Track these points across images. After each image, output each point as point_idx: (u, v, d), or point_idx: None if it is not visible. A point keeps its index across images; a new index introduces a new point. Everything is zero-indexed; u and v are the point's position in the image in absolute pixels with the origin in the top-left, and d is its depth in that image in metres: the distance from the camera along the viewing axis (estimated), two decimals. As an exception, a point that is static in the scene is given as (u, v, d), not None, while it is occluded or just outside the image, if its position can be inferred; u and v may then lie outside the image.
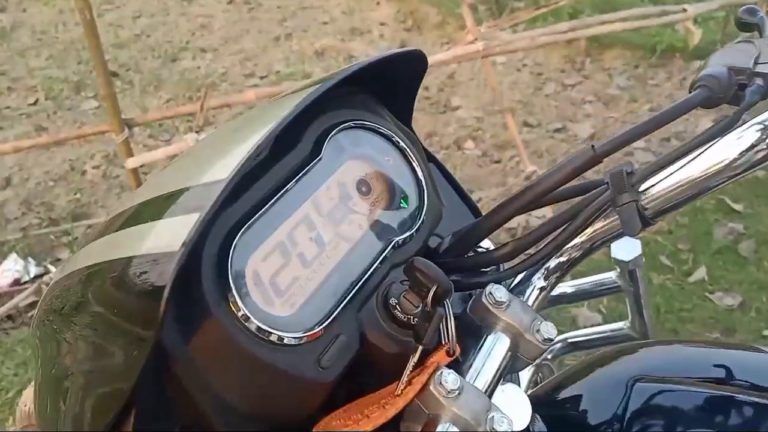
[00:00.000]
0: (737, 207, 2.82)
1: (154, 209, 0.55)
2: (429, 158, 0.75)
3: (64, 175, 3.19)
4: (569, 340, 1.18)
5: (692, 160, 0.56)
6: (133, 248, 0.52)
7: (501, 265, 0.64)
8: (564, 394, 0.73)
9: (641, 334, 1.15)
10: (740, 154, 0.54)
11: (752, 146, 0.53)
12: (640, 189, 0.57)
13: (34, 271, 2.61)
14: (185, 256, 0.45)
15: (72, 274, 0.59)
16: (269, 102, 0.64)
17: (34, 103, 3.75)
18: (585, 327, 2.30)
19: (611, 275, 1.10)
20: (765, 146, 0.53)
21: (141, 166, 2.46)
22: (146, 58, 4.07)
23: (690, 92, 0.58)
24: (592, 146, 0.58)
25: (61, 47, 4.19)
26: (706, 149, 0.55)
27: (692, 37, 3.22)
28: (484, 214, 0.68)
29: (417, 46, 0.63)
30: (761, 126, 0.54)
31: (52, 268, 2.60)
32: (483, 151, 3.37)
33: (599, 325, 2.34)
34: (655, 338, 1.18)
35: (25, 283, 2.55)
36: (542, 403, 0.71)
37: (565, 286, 1.13)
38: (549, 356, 1.15)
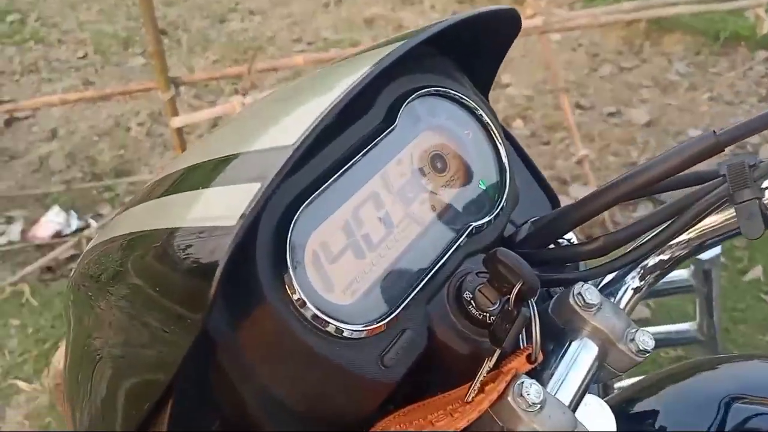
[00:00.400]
0: (799, 206, 2.68)
1: (205, 175, 0.49)
2: (505, 135, 0.67)
3: (109, 130, 3.19)
4: None
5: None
6: (180, 217, 0.46)
7: (585, 262, 0.56)
8: (638, 407, 0.65)
9: (709, 337, 1.07)
10: None
11: None
12: (763, 186, 0.49)
13: (75, 224, 2.61)
14: (243, 231, 0.38)
15: (112, 239, 0.54)
16: (337, 63, 0.56)
17: (83, 57, 3.75)
18: (633, 321, 2.22)
19: (684, 273, 1.02)
20: None
21: (185, 126, 2.42)
22: (195, 18, 4.03)
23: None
24: (713, 132, 0.49)
25: (112, 2, 4.17)
26: None
27: (762, 24, 3.05)
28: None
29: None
30: None
31: (94, 223, 2.60)
32: (532, 131, 3.27)
33: (647, 320, 2.25)
34: (723, 344, 1.09)
35: (66, 235, 2.56)
36: (616, 416, 0.64)
37: (632, 283, 1.04)
38: None
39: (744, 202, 0.49)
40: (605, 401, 0.69)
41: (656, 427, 0.61)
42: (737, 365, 0.72)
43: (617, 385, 0.95)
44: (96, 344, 0.51)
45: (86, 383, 0.51)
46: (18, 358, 2.12)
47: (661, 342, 1.10)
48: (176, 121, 2.25)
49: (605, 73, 3.63)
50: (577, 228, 0.57)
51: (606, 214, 2.63)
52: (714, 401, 0.59)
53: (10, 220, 2.68)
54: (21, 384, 2.01)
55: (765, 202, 0.49)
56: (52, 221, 2.61)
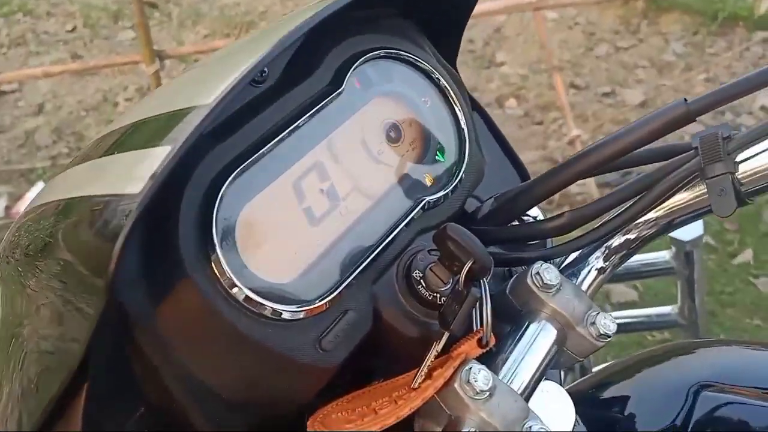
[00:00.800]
0: (792, 189, 2.65)
1: (142, 133, 0.45)
2: (473, 106, 0.63)
3: (97, 105, 3.14)
4: None
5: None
6: (109, 183, 0.43)
7: (550, 239, 0.53)
8: (608, 393, 0.63)
9: (690, 321, 1.04)
10: None
11: None
12: (737, 159, 0.46)
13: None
14: (148, 198, 0.35)
15: (46, 204, 0.50)
16: (293, 13, 0.52)
17: (72, 30, 3.69)
18: (619, 304, 2.20)
19: (665, 255, 0.99)
20: None
21: (170, 101, 2.37)
22: (186, -9, 3.96)
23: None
24: (684, 99, 0.46)
25: (101, -26, 4.09)
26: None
27: (760, 5, 3.01)
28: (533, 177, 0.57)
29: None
30: None
31: (77, 199, 2.57)
32: (525, 111, 3.23)
33: (634, 302, 2.23)
34: (705, 328, 1.06)
35: (50, 212, 2.52)
36: (583, 401, 0.60)
37: (611, 264, 1.01)
38: None
39: (715, 176, 0.45)
40: (577, 384, 0.66)
41: (625, 413, 0.59)
42: (712, 351, 0.69)
43: (597, 368, 0.93)
44: (19, 327, 0.47)
45: (8, 370, 0.48)
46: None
47: (642, 325, 1.08)
48: (159, 95, 2.20)
49: (601, 52, 3.58)
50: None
51: (597, 194, 2.60)
52: (684, 388, 0.56)
53: (-6, 196, 2.65)
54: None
55: (738, 177, 0.46)
56: (36, 197, 2.58)
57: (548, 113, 3.16)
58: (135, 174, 0.38)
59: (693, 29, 3.66)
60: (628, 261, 1.01)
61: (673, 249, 0.97)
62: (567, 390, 0.57)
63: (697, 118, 0.46)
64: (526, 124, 3.16)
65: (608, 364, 0.71)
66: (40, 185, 2.63)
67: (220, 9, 3.79)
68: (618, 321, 1.16)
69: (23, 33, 3.69)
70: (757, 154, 0.46)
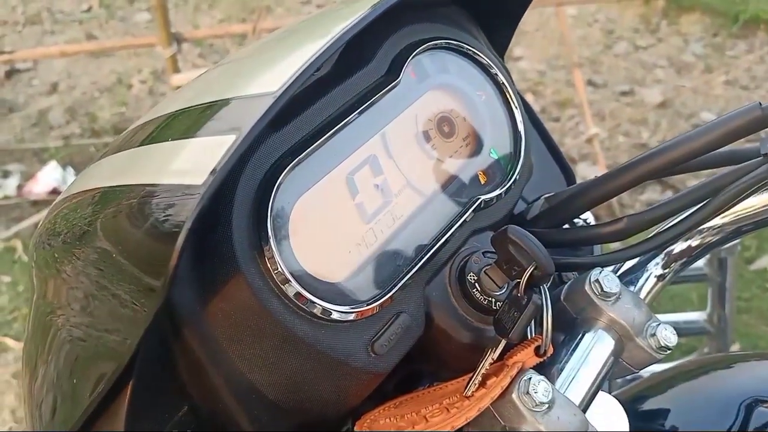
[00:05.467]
0: (812, 195, 2.62)
1: (185, 123, 0.43)
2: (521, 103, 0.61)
3: (111, 87, 3.12)
4: None
5: None
6: (153, 173, 0.41)
7: (601, 246, 0.51)
8: (648, 405, 0.61)
9: (719, 329, 1.02)
10: None
11: None
12: (811, 165, 0.43)
13: (72, 181, 2.56)
14: (211, 191, 0.32)
15: (82, 192, 0.48)
16: (340, 3, 0.50)
17: (88, 10, 3.67)
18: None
19: (698, 261, 0.96)
20: None
21: (187, 85, 2.36)
22: (203, -26, 3.93)
23: None
24: (759, 104, 0.43)
25: (118, -46, 4.07)
26: None
27: (783, 8, 2.96)
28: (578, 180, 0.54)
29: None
30: None
31: (90, 180, 2.55)
32: (542, 107, 3.20)
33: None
34: (732, 337, 1.04)
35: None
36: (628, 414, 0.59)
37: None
38: None
39: (788, 184, 0.43)
40: (622, 392, 0.64)
41: (667, 426, 0.57)
42: (754, 365, 0.66)
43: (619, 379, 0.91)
44: (56, 317, 0.46)
45: (45, 363, 0.46)
46: (8, 316, 2.08)
47: None
48: (176, 79, 2.18)
49: (620, 50, 3.55)
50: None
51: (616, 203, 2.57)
52: (734, 402, 0.54)
53: (6, 174, 2.64)
54: (9, 342, 1.98)
55: (812, 186, 0.44)
56: (48, 177, 2.56)
57: (565, 110, 3.13)
58: (191, 163, 0.36)
59: (713, 30, 3.62)
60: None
61: (708, 255, 0.95)
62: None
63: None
64: (544, 121, 3.13)
65: (643, 378, 0.68)
66: (52, 165, 2.62)
67: (236, -7, 3.76)
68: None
69: (39, 11, 3.67)
70: (833, 163, 0.43)
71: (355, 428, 0.41)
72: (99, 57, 3.19)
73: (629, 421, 0.56)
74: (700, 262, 0.96)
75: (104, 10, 3.65)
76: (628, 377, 0.71)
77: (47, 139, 2.81)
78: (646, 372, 0.69)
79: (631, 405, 0.62)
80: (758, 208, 0.46)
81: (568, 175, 0.63)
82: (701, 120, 2.95)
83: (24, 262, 2.25)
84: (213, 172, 0.33)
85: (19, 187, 2.55)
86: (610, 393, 0.53)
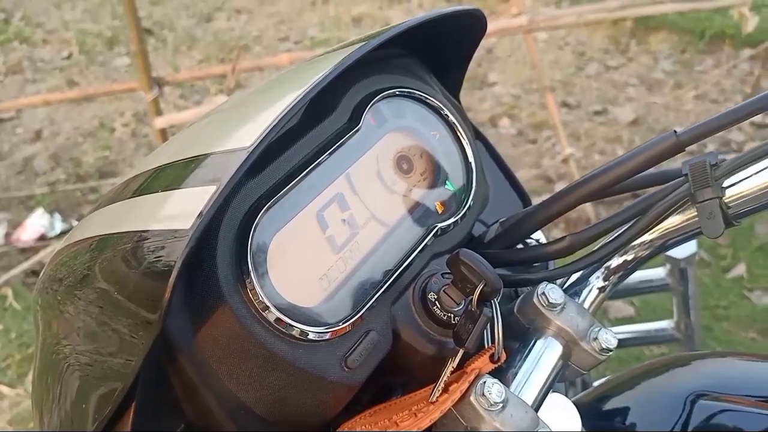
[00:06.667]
0: (782, 203, 2.69)
1: (171, 176, 0.49)
2: (476, 135, 0.67)
3: (94, 131, 3.17)
4: None
5: (789, 155, 0.48)
6: (144, 220, 0.46)
7: (553, 261, 0.57)
8: (610, 405, 0.66)
9: (686, 336, 1.07)
10: None
11: None
12: (724, 185, 0.50)
13: (59, 226, 2.59)
14: (198, 234, 0.38)
15: (79, 241, 0.54)
16: (306, 61, 0.56)
17: (68, 57, 3.73)
18: (617, 320, 2.22)
19: (660, 272, 1.02)
20: None
21: (169, 127, 2.41)
22: (181, 17, 4.02)
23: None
24: (674, 131, 0.50)
25: (97, 1, 4.15)
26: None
27: (746, 23, 3.07)
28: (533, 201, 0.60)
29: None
30: None
31: (78, 225, 2.58)
32: (518, 130, 3.28)
33: (631, 318, 2.26)
34: (700, 342, 1.10)
35: (51, 238, 2.54)
36: (585, 413, 0.64)
37: (608, 281, 1.05)
38: None
39: (705, 201, 0.49)
40: (580, 398, 0.70)
41: (626, 423, 0.62)
42: (708, 362, 0.72)
43: (597, 382, 0.96)
44: (63, 350, 0.51)
45: (55, 387, 0.51)
46: (1, 363, 2.10)
47: (640, 340, 1.11)
48: (159, 122, 2.24)
49: (591, 71, 3.65)
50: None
51: (592, 211, 2.64)
52: (681, 398, 0.59)
53: (-7, 223, 2.66)
54: (4, 389, 2.00)
55: (726, 201, 0.50)
56: (36, 224, 2.59)
57: (541, 132, 3.21)
58: (178, 210, 0.41)
59: (681, 47, 3.73)
60: (627, 279, 1.05)
61: (668, 266, 1.01)
62: (572, 401, 0.61)
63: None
64: (520, 143, 3.20)
65: (609, 377, 0.74)
66: (39, 212, 2.65)
67: (215, 34, 3.84)
68: (617, 336, 1.19)
69: (19, 60, 3.73)
70: (742, 180, 0.49)
71: (334, 436, 0.47)
72: (81, 103, 3.25)
73: (593, 420, 0.62)
74: (663, 273, 1.02)
75: (84, 56, 3.71)
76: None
77: (33, 186, 2.85)
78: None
79: (596, 404, 0.67)
80: (681, 224, 0.52)
81: (525, 200, 0.69)
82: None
83: (15, 309, 2.28)
84: (200, 215, 0.38)
85: (7, 236, 2.58)
86: (578, 393, 0.58)
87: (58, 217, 2.64)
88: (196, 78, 2.89)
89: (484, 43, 3.70)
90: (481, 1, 4.13)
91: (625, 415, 0.62)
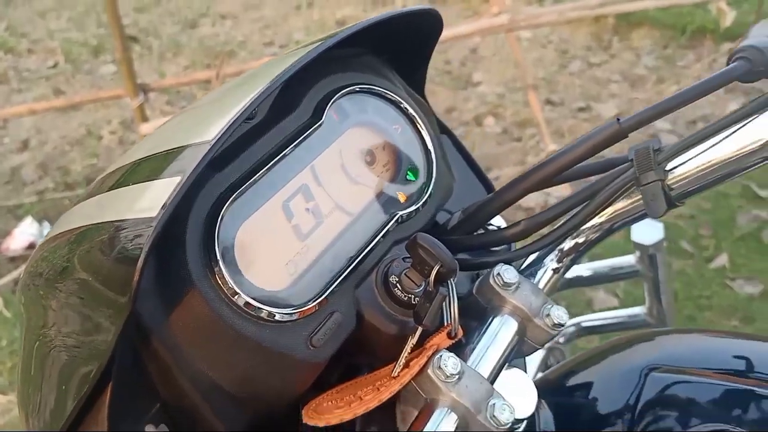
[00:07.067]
0: (763, 194, 2.74)
1: (147, 169, 0.52)
2: (442, 130, 0.70)
3: (81, 139, 3.18)
4: (583, 324, 1.14)
5: (724, 138, 0.51)
6: (118, 211, 0.49)
7: (512, 245, 0.60)
8: (574, 380, 0.69)
9: (659, 320, 1.11)
10: (778, 133, 0.49)
11: (793, 125, 0.49)
12: (667, 168, 0.53)
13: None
14: (163, 222, 0.41)
15: (59, 235, 0.56)
16: (274, 58, 0.59)
17: (54, 66, 3.74)
18: (600, 310, 2.26)
19: (630, 259, 1.06)
20: (807, 126, 0.48)
21: (156, 133, 2.43)
22: (166, 24, 4.03)
23: (728, 65, 0.53)
24: (617, 119, 0.53)
25: (82, 9, 4.16)
26: (740, 128, 0.50)
27: (724, 17, 3.11)
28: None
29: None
30: (804, 103, 0.49)
31: (66, 232, 2.59)
32: (503, 128, 3.31)
33: (615, 308, 2.30)
34: (673, 326, 1.13)
35: (40, 246, 2.54)
36: (551, 389, 0.67)
37: (582, 269, 1.08)
38: (561, 340, 1.11)
39: (648, 184, 0.52)
40: (546, 374, 0.73)
41: (588, 398, 0.65)
42: (670, 338, 0.75)
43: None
44: (45, 339, 0.54)
45: (37, 377, 0.54)
46: (-8, 370, 2.12)
47: (613, 326, 1.14)
48: (145, 128, 2.26)
49: (575, 69, 3.69)
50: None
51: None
52: (637, 372, 0.62)
53: (-18, 233, 2.67)
54: (-5, 395, 2.02)
55: (668, 183, 0.53)
56: (25, 233, 2.61)
57: (526, 130, 3.24)
58: (149, 201, 0.44)
59: (663, 43, 3.78)
60: (599, 265, 1.09)
61: (638, 253, 1.04)
62: (537, 378, 0.64)
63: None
64: (505, 141, 3.24)
65: (576, 355, 0.77)
66: (28, 221, 2.67)
67: (200, 40, 3.86)
68: (593, 323, 1.22)
69: (5, 71, 3.74)
70: (683, 162, 0.53)
71: (303, 412, 0.50)
72: (68, 111, 3.26)
73: (558, 395, 0.65)
74: (633, 260, 1.06)
75: (70, 65, 3.73)
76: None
77: (21, 196, 2.86)
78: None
79: (560, 380, 0.70)
80: (627, 207, 0.55)
81: (489, 189, 0.72)
82: (656, 129, 3.08)
83: (5, 317, 2.29)
84: (164, 206, 0.41)
85: (-3, 245, 2.59)
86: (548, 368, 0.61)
87: (47, 225, 2.65)
88: (182, 84, 2.92)
89: (468, 43, 3.74)
90: (464, 1, 4.18)
91: (588, 390, 0.66)
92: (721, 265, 2.46)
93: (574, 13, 2.89)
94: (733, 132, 0.51)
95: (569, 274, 1.06)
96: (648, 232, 1.01)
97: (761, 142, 0.50)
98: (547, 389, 0.66)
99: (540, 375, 0.76)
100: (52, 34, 3.97)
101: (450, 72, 3.63)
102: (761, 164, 0.51)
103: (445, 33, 2.83)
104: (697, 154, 0.52)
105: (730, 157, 0.51)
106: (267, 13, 4.09)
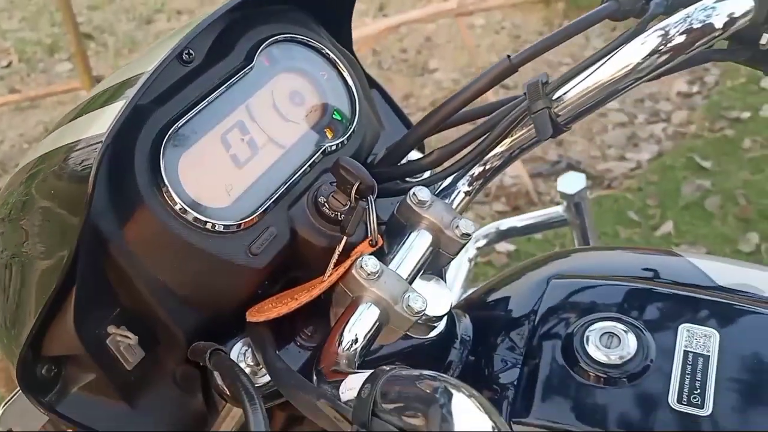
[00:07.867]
0: (705, 164, 2.87)
1: (104, 97, 0.59)
2: (371, 84, 0.79)
3: (39, 137, 3.19)
4: (501, 228, 1.20)
5: (599, 68, 0.60)
6: (76, 134, 0.56)
7: (427, 172, 0.68)
8: (494, 296, 0.77)
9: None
10: (643, 58, 0.58)
11: (654, 51, 0.58)
12: (554, 97, 0.61)
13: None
14: (112, 136, 0.48)
15: (16, 175, 0.63)
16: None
17: (8, 66, 3.73)
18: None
19: (558, 209, 1.15)
20: (666, 50, 0.57)
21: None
22: (121, 20, 4.04)
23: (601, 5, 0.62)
24: (508, 56, 0.61)
25: (34, 9, 4.15)
26: (610, 57, 0.59)
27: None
28: None
29: (394, 7, 0.66)
30: (662, 32, 0.58)
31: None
32: (459, 112, 3.39)
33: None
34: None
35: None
36: (474, 305, 0.75)
37: (514, 221, 1.17)
38: (482, 243, 1.17)
39: (537, 111, 0.61)
40: (472, 293, 0.81)
41: (503, 308, 0.73)
42: (587, 254, 0.83)
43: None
44: (9, 260, 0.60)
45: (2, 294, 0.60)
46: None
47: (531, 228, 1.20)
48: (103, 118, 2.29)
49: (526, 53, 3.78)
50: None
51: (530, 184, 2.79)
52: (544, 281, 0.71)
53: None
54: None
55: (555, 110, 0.62)
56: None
57: (480, 113, 3.34)
58: (99, 122, 0.52)
59: (611, 25, 3.89)
60: (530, 217, 1.17)
61: (565, 203, 1.14)
62: (464, 297, 0.72)
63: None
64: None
65: (500, 273, 0.84)
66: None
67: (156, 36, 3.88)
68: (510, 226, 1.24)
69: (-41, 72, 3.71)
70: (566, 92, 0.61)
71: (247, 314, 0.58)
72: (25, 109, 3.26)
73: (478, 310, 0.73)
74: (560, 210, 1.15)
75: (24, 64, 3.71)
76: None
77: (-20, 195, 2.86)
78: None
79: (484, 296, 0.79)
80: (523, 135, 0.64)
81: (409, 128, 0.81)
82: (608, 109, 3.20)
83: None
84: (110, 126, 0.49)
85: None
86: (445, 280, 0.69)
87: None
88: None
89: (423, 31, 3.82)
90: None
91: (504, 303, 0.74)
92: (666, 232, 2.58)
93: (521, -3, 2.99)
94: (606, 62, 0.60)
95: (503, 226, 1.15)
96: (572, 182, 1.10)
97: (630, 67, 0.59)
98: (471, 306, 0.74)
99: (467, 294, 0.84)
100: (4, 34, 3.95)
101: (406, 60, 3.71)
102: (632, 86, 0.59)
103: (397, 18, 2.91)
104: (578, 83, 0.61)
105: (606, 82, 0.60)
106: (222, 7, 4.12)
